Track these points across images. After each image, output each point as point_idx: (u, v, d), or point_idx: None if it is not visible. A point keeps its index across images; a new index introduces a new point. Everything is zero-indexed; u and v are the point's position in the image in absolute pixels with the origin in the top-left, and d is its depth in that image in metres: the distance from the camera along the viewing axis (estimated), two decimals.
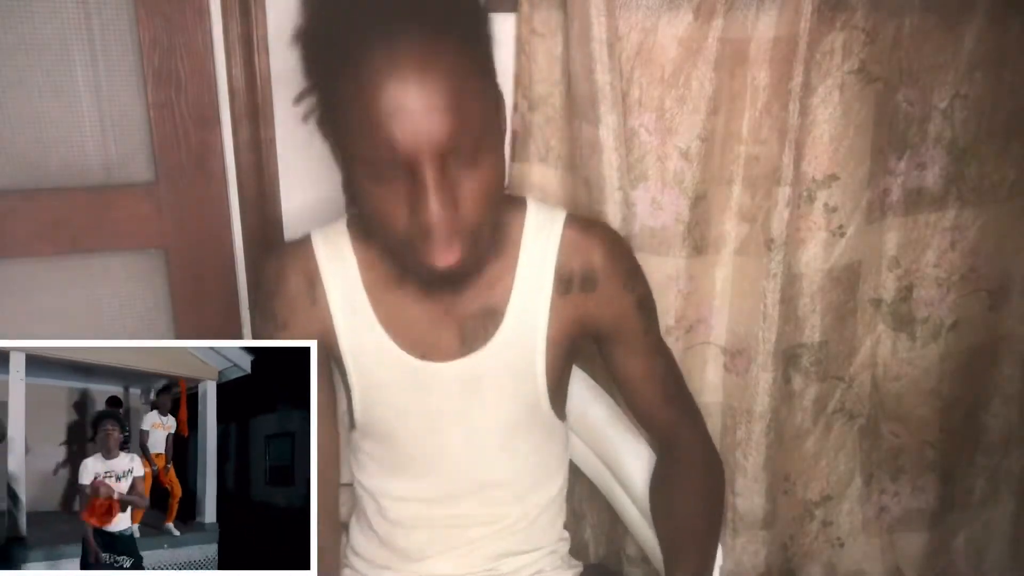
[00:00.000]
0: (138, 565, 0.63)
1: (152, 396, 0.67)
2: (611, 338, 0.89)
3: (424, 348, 0.84)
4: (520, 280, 0.84)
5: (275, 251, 0.90)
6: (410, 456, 0.89)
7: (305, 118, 0.75)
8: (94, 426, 0.65)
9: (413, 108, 0.64)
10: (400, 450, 0.89)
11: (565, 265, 0.84)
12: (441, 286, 0.81)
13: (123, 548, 0.63)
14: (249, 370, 0.69)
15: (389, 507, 0.92)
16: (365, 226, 0.84)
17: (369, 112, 0.65)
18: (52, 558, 0.62)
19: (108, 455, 0.64)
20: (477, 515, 0.91)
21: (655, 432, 0.96)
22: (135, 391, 0.67)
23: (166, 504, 0.66)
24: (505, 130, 0.78)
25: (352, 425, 0.91)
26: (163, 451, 0.67)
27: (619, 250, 0.88)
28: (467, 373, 0.84)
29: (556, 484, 0.95)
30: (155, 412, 0.68)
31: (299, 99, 0.74)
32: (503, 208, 0.83)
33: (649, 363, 0.91)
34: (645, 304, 0.89)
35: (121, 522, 0.64)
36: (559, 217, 0.86)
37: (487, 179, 0.71)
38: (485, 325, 0.84)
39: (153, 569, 0.64)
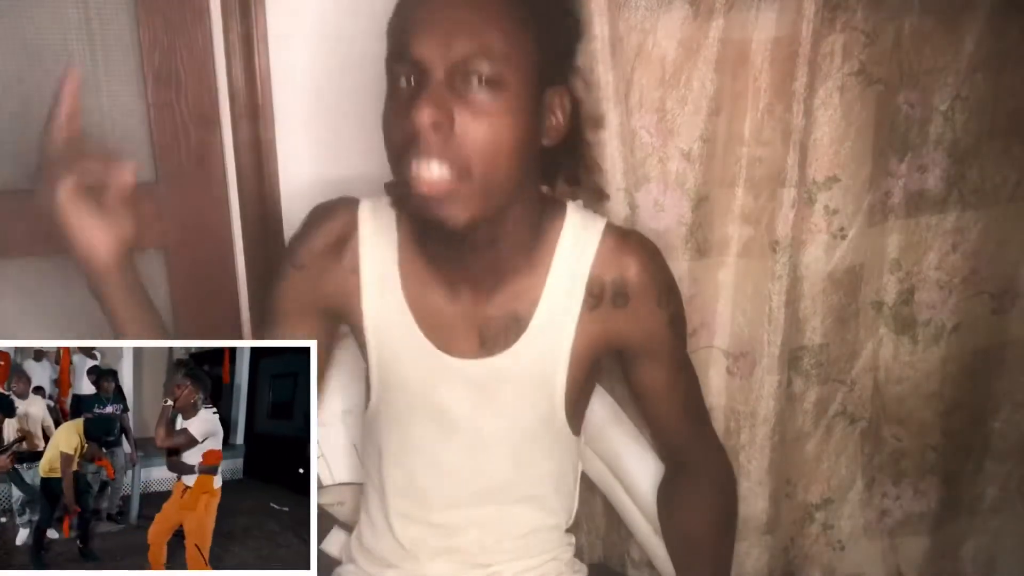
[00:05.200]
0: None
1: None
2: (638, 353, 0.87)
3: (445, 340, 0.83)
4: (550, 291, 0.82)
5: (327, 201, 0.89)
6: (414, 446, 0.88)
7: None
8: None
9: (435, 20, 0.68)
10: (406, 437, 0.88)
11: (598, 278, 0.82)
12: (455, 250, 0.80)
13: None
14: None
15: (392, 501, 0.90)
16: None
17: (401, 25, 0.70)
18: None
19: None
20: (475, 518, 0.90)
21: (669, 446, 0.94)
22: None
23: None
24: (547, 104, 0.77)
25: (366, 404, 0.90)
26: None
27: (656, 264, 0.85)
28: (483, 375, 0.83)
29: (562, 498, 0.94)
30: None
31: None
32: (538, 207, 0.81)
33: (673, 378, 0.89)
34: (677, 321, 0.87)
35: None
36: (598, 226, 0.84)
37: (500, 127, 0.70)
38: (507, 331, 0.82)
39: None
